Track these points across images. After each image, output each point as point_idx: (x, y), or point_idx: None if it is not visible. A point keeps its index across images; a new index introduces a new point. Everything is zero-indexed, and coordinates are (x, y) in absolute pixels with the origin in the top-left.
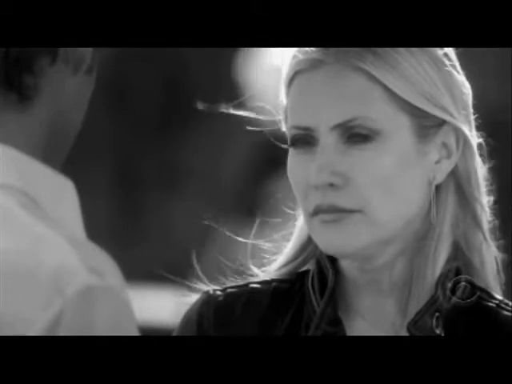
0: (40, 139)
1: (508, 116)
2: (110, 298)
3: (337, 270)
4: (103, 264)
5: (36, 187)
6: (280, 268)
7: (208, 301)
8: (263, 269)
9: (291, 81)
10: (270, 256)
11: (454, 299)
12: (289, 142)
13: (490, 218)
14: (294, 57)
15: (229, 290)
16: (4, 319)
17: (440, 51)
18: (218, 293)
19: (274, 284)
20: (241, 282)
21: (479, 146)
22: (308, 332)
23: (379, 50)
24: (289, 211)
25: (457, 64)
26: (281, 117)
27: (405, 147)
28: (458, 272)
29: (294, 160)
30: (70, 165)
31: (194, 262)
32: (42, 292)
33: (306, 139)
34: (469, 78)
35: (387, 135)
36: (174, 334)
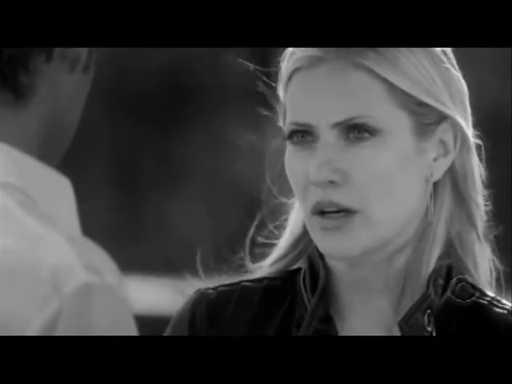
0: (37, 137)
1: (508, 114)
2: (108, 296)
3: (328, 268)
4: (101, 262)
5: (33, 185)
6: (274, 263)
7: (200, 299)
8: (257, 264)
9: (290, 77)
10: (266, 250)
11: (448, 295)
12: (287, 138)
13: (486, 219)
14: (294, 53)
15: (221, 289)
16: (2, 318)
17: (438, 49)
18: (210, 291)
19: (265, 282)
20: (233, 281)
21: (477, 146)
22: (299, 330)
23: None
24: (285, 201)
25: (454, 61)
26: (278, 113)
27: (404, 145)
28: (449, 269)
29: (293, 156)
30: (69, 163)
31: (198, 260)
32: (40, 291)
33: (305, 135)
34: (468, 75)
35: (387, 133)
36: (167, 331)
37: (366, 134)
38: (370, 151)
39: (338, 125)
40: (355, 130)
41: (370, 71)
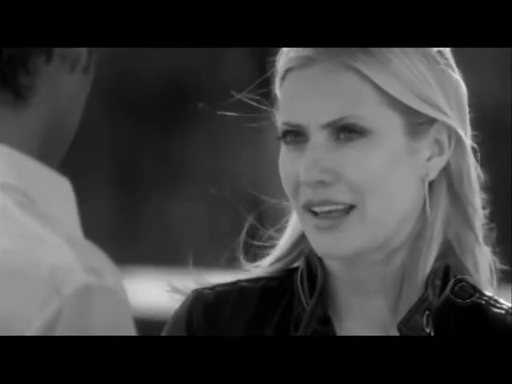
0: (37, 138)
1: (508, 114)
2: (108, 297)
3: (325, 269)
4: (100, 263)
5: (33, 186)
6: (273, 263)
7: (197, 299)
8: (256, 264)
9: (284, 77)
10: (264, 251)
11: (446, 294)
12: (280, 137)
13: (485, 221)
14: (286, 54)
15: (218, 289)
16: (1, 319)
17: (434, 49)
18: (208, 291)
19: (262, 282)
20: (230, 280)
21: (474, 148)
22: (298, 331)
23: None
24: (286, 203)
25: (452, 62)
26: (275, 111)
27: (395, 144)
28: (446, 270)
29: (285, 156)
30: (69, 163)
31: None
32: (40, 291)
33: (297, 136)
34: (468, 75)
35: (377, 133)
36: (164, 331)
37: (356, 134)
38: (360, 151)
39: (327, 125)
40: (345, 131)
41: (360, 73)
